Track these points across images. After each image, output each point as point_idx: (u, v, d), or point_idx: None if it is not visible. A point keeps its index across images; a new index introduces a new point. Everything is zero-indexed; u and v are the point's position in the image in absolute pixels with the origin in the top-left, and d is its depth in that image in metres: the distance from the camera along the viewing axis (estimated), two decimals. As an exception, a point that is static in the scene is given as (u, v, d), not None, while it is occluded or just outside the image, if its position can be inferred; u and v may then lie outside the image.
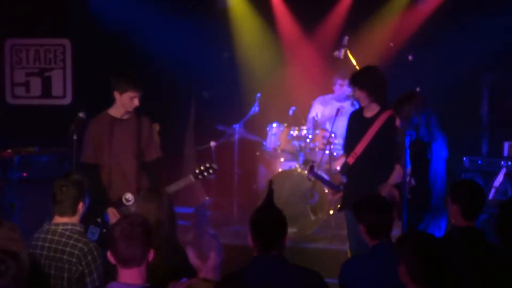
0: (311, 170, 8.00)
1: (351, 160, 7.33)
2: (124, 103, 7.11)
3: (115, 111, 7.22)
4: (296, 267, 4.95)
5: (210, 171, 7.10)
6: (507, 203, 5.72)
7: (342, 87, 10.10)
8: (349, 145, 7.56)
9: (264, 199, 5.28)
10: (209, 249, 4.97)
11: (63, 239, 5.28)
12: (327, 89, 10.34)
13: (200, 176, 7.09)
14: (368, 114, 7.30)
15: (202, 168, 7.08)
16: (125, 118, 7.22)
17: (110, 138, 7.18)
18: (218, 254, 4.99)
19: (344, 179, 7.46)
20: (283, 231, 5.00)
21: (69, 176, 5.51)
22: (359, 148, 7.25)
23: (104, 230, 6.95)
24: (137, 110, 7.27)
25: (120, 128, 7.21)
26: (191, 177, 7.08)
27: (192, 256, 4.99)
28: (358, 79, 7.27)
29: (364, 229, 5.40)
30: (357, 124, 7.47)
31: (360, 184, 7.16)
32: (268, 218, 4.99)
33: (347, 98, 10.00)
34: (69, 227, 5.35)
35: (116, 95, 7.11)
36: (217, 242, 5.05)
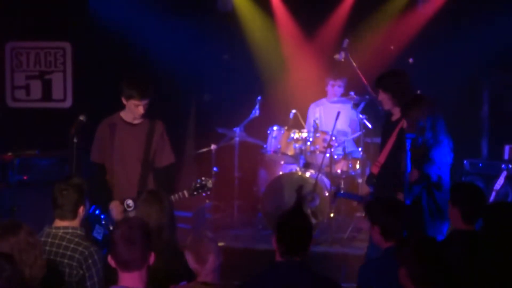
0: (335, 195, 7.93)
1: (375, 169, 7.22)
2: (130, 109, 7.14)
3: (125, 114, 7.27)
4: (317, 275, 4.91)
5: (205, 189, 7.11)
6: (494, 207, 5.72)
7: (334, 88, 10.15)
8: None
9: (294, 203, 5.24)
10: (207, 252, 4.95)
11: (64, 243, 5.28)
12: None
13: (195, 193, 7.10)
14: (393, 118, 7.24)
15: (197, 185, 7.09)
16: (136, 123, 7.25)
17: (118, 141, 7.24)
18: (216, 257, 4.98)
19: (371, 189, 7.35)
20: (309, 237, 4.95)
21: (69, 180, 5.51)
22: (382, 157, 7.17)
23: (107, 232, 6.98)
24: (152, 116, 7.32)
25: (129, 132, 7.24)
26: (185, 193, 7.08)
27: (190, 259, 4.98)
28: (383, 81, 7.19)
29: (379, 230, 5.37)
30: (384, 130, 7.41)
31: (387, 194, 6.92)
32: (296, 223, 4.94)
33: (346, 100, 9.99)
34: (70, 230, 5.35)
35: (123, 100, 7.15)
36: (216, 245, 5.04)
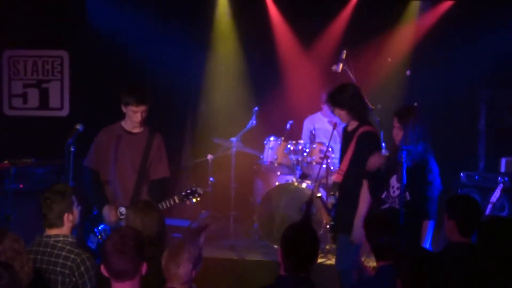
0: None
1: (339, 177, 7.26)
2: (129, 116, 7.21)
3: (125, 123, 7.34)
4: None
5: (196, 195, 7.11)
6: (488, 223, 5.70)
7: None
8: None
9: (302, 217, 5.17)
10: (179, 265, 4.86)
11: (55, 251, 5.27)
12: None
13: (185, 199, 7.11)
14: (349, 128, 7.33)
15: (188, 191, 7.10)
16: (135, 132, 7.31)
17: (115, 149, 7.27)
18: (184, 274, 4.86)
19: (334, 200, 7.34)
20: (316, 253, 4.91)
21: (52, 188, 5.48)
22: (344, 165, 7.22)
23: (101, 241, 6.98)
24: (151, 127, 7.37)
25: (127, 141, 7.30)
26: (176, 199, 7.09)
27: (163, 263, 4.91)
28: (336, 99, 7.26)
29: (372, 249, 5.34)
30: (344, 140, 7.47)
31: (351, 203, 7.06)
32: (305, 238, 4.88)
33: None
34: (61, 238, 5.33)
35: (123, 108, 7.20)
36: (190, 265, 4.91)
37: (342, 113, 7.20)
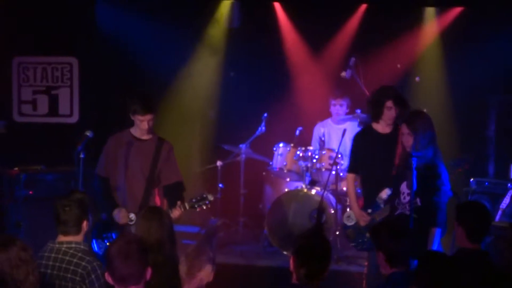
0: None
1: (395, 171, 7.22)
2: (137, 124, 7.21)
3: (135, 130, 7.35)
4: None
5: (206, 202, 7.09)
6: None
7: (335, 107, 10.06)
8: (357, 164, 7.56)
9: (314, 226, 5.15)
10: (199, 269, 4.91)
11: (67, 258, 5.27)
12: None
13: (195, 206, 7.09)
14: (385, 130, 7.42)
15: (198, 198, 7.08)
16: (144, 139, 7.31)
17: (125, 156, 7.28)
18: (205, 276, 4.93)
19: (389, 192, 7.26)
20: (329, 262, 4.90)
21: (71, 196, 5.49)
22: (397, 160, 7.19)
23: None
24: (161, 133, 7.39)
25: (136, 147, 7.31)
26: (186, 206, 7.08)
27: (181, 269, 4.97)
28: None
29: (384, 257, 5.26)
30: (375, 142, 7.46)
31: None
32: (318, 248, 4.88)
33: (352, 118, 9.93)
34: (73, 245, 5.34)
35: (131, 116, 7.19)
36: (210, 267, 4.97)
37: (396, 112, 7.35)
